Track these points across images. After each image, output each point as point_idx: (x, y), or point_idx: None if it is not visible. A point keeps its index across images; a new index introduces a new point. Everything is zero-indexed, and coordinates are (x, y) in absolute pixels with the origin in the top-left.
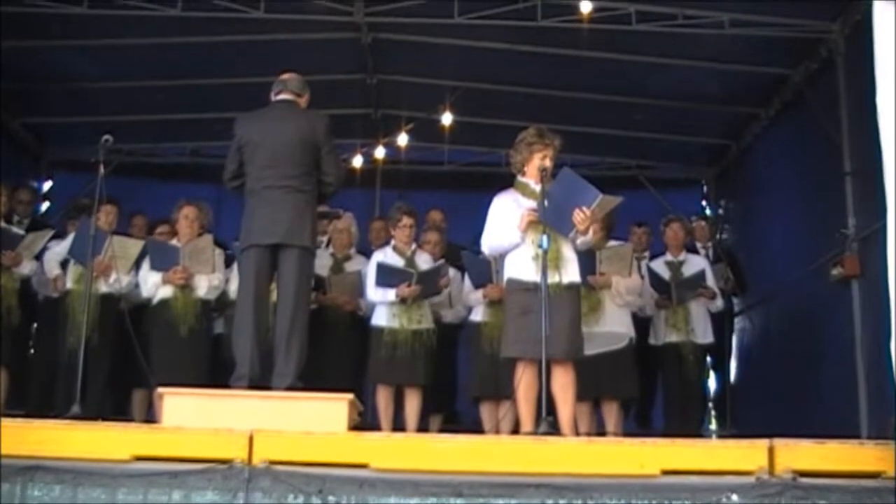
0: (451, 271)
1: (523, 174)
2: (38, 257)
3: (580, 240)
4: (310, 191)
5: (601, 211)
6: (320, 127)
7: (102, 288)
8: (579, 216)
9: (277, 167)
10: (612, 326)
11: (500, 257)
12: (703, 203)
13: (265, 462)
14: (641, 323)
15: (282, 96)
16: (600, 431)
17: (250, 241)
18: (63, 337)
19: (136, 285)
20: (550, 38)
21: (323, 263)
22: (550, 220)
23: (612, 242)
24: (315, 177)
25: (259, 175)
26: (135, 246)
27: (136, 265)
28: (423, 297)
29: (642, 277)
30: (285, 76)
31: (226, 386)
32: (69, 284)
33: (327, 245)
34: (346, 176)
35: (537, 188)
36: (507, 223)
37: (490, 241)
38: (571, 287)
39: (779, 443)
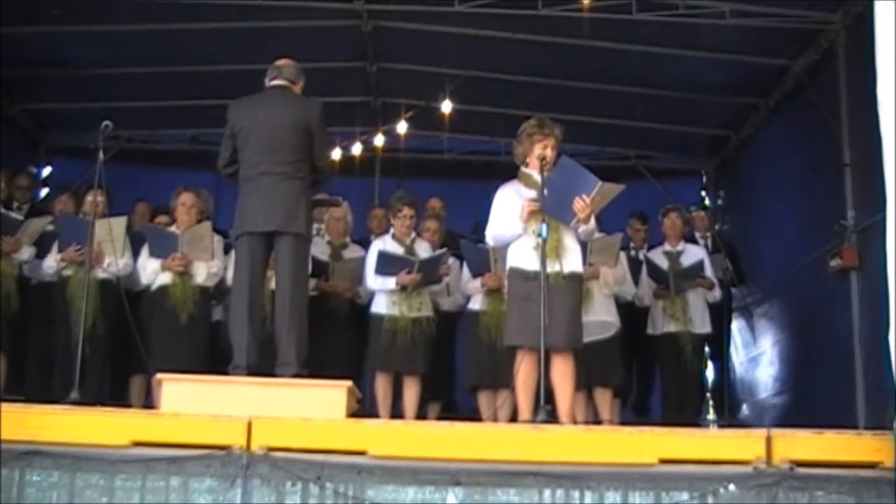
0: (450, 259)
1: (526, 165)
2: (37, 243)
3: (581, 228)
4: (304, 177)
5: (602, 199)
6: (314, 112)
7: (100, 274)
8: (579, 204)
9: (271, 153)
10: (600, 315)
11: (504, 247)
12: (703, 193)
13: (263, 448)
14: (639, 313)
15: (276, 82)
16: (597, 421)
17: (245, 229)
18: (61, 323)
19: (132, 268)
20: (551, 27)
21: (320, 251)
22: (551, 209)
23: (598, 234)
24: (309, 163)
25: (253, 161)
26: (118, 224)
27: (132, 247)
28: (424, 285)
29: (641, 262)
30: (280, 62)
31: (224, 373)
32: (67, 271)
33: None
34: (332, 164)
35: (539, 178)
36: (509, 214)
37: (493, 233)
38: (572, 277)
39: (776, 433)
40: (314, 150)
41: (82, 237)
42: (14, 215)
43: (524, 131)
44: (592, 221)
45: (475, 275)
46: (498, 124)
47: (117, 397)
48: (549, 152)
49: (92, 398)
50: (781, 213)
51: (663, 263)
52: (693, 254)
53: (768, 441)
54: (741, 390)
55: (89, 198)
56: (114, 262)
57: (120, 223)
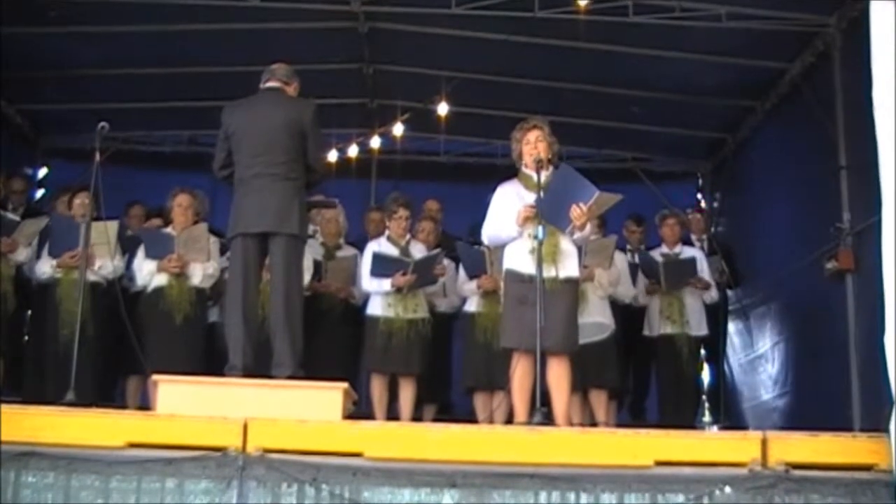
0: (446, 261)
1: (525, 165)
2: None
3: (576, 235)
4: (297, 178)
5: (598, 208)
6: (307, 113)
7: (90, 276)
8: (576, 212)
9: (265, 155)
10: (595, 317)
11: (499, 248)
12: (699, 196)
13: (259, 450)
14: (636, 314)
15: (269, 84)
16: (593, 423)
17: (238, 230)
18: (53, 325)
19: (123, 270)
20: (547, 29)
21: (314, 252)
22: (548, 215)
23: (594, 236)
24: (303, 164)
25: (247, 163)
26: (111, 227)
27: (124, 249)
28: (419, 286)
29: (637, 266)
30: (274, 65)
31: (220, 374)
32: (57, 274)
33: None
34: (327, 164)
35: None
36: (506, 215)
37: (489, 232)
38: (568, 281)
39: (772, 435)
40: (308, 150)
41: (74, 238)
42: (10, 216)
43: (513, 134)
44: (587, 228)
45: (471, 276)
46: (494, 126)
47: (113, 398)
48: (541, 148)
49: (87, 399)
50: (777, 215)
51: None
52: (689, 255)
53: (764, 443)
54: (737, 393)
55: (77, 200)
56: (105, 265)
57: (113, 227)
